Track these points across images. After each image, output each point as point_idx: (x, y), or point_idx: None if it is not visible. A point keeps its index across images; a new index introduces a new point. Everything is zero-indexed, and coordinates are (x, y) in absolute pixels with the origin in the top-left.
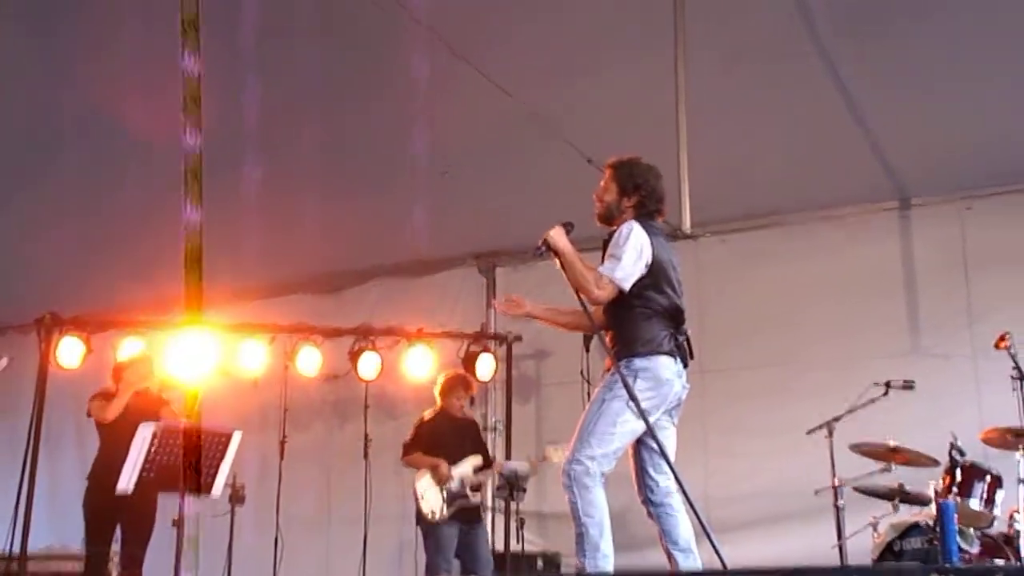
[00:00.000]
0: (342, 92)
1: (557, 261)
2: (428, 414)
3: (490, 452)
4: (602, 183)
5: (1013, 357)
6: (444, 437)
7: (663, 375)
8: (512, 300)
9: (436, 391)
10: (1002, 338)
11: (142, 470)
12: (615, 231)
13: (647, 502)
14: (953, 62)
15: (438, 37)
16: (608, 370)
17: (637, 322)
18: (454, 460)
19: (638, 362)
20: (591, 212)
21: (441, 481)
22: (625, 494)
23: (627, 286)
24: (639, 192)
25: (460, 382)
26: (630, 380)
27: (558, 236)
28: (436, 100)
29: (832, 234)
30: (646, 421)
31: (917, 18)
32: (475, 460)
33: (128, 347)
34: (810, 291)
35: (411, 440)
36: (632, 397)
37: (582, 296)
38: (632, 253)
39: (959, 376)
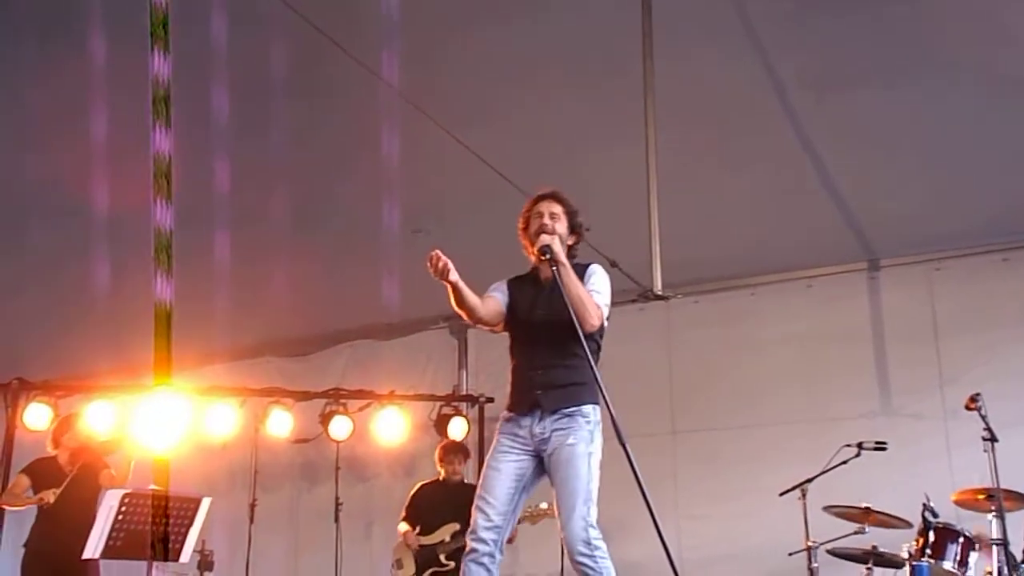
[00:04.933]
0: (313, 154)
1: (553, 272)
2: (424, 481)
3: None
4: (552, 211)
5: (984, 418)
6: (432, 504)
7: None
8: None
9: (436, 459)
10: (972, 399)
11: (109, 537)
12: (583, 267)
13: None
14: (920, 123)
15: (409, 101)
16: (551, 413)
17: (591, 367)
18: (436, 527)
19: (595, 413)
20: None
21: (409, 547)
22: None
23: (606, 324)
24: (578, 234)
25: (454, 448)
26: (592, 431)
27: (558, 247)
28: (408, 163)
29: (803, 295)
30: None
31: (884, 82)
32: (452, 527)
33: (96, 412)
34: (781, 352)
35: (405, 507)
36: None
37: (580, 319)
38: (609, 294)
39: (930, 437)
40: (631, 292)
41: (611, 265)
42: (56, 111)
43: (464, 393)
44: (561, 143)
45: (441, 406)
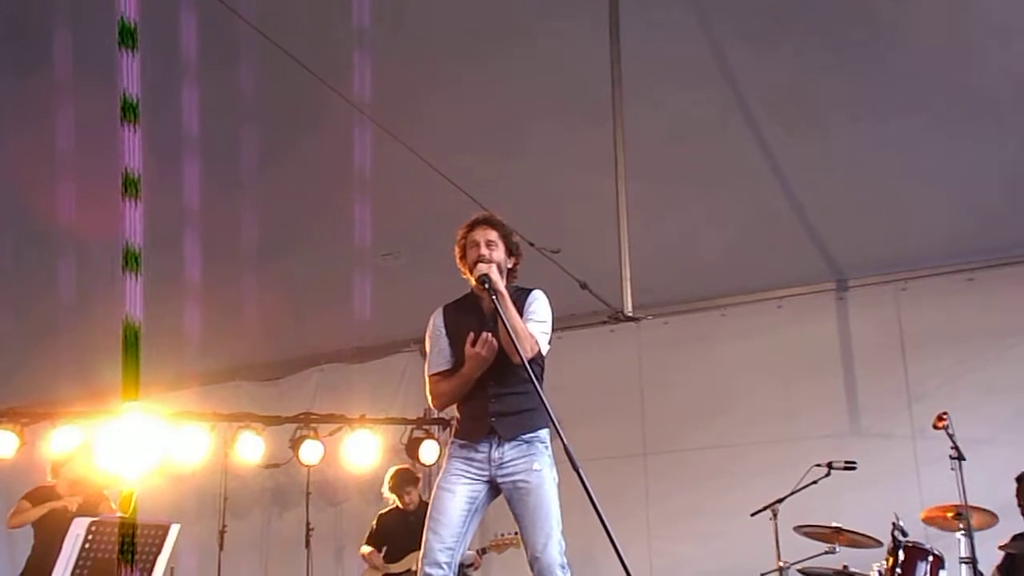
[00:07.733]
0: (282, 177)
1: (494, 301)
2: (384, 510)
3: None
4: (488, 238)
5: (951, 437)
6: (397, 533)
7: None
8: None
9: (385, 489)
10: (940, 418)
11: (75, 567)
12: (525, 292)
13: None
14: (886, 144)
15: (379, 124)
16: (509, 440)
17: (538, 394)
18: (402, 555)
19: (547, 436)
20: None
21: (377, 569)
22: None
23: (545, 350)
24: (517, 256)
25: (406, 478)
26: (550, 455)
27: (496, 276)
28: (377, 185)
29: (771, 316)
30: None
31: (850, 106)
32: (419, 555)
33: (61, 438)
34: (751, 372)
35: (367, 536)
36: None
37: (518, 349)
38: (550, 323)
39: (899, 456)
40: (602, 314)
41: (581, 287)
42: (23, 136)
43: (435, 416)
44: (531, 166)
45: (412, 429)
